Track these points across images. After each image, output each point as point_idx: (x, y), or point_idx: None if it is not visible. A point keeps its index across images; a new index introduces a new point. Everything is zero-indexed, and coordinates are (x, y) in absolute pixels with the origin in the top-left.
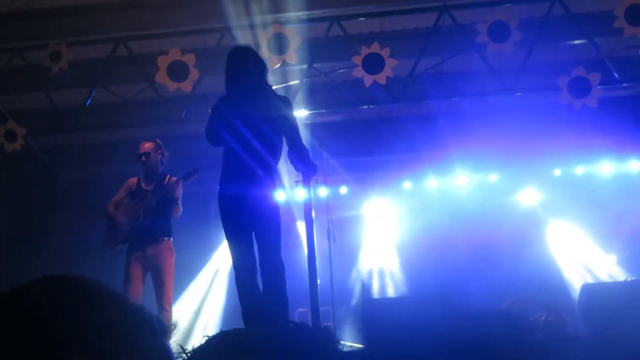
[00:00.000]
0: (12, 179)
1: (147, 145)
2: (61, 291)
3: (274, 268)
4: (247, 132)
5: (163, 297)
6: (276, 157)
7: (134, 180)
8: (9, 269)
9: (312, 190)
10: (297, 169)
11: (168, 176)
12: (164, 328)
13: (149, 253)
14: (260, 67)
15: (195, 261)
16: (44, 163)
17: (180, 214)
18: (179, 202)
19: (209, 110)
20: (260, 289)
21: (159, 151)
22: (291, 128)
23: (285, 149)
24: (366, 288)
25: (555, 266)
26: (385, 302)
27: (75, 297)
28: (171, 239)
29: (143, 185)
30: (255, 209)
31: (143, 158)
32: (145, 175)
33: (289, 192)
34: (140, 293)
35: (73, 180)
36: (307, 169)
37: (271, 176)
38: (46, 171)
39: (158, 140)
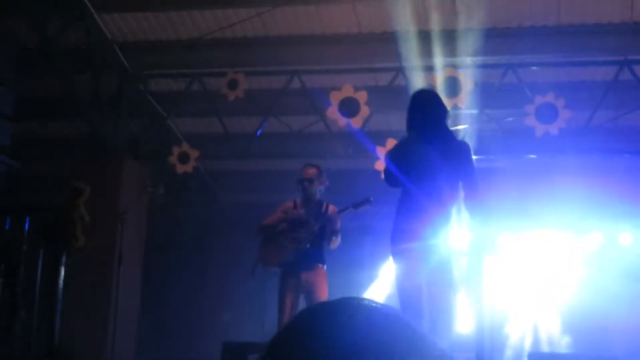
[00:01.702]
0: (177, 198)
1: (312, 171)
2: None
3: (443, 312)
4: (423, 175)
5: None
6: (452, 200)
7: (290, 204)
8: (165, 278)
9: (486, 237)
10: (472, 217)
11: (325, 204)
12: None
13: (303, 278)
14: (442, 111)
15: (348, 292)
16: (209, 186)
17: (337, 245)
18: (339, 233)
19: (380, 148)
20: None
21: (321, 178)
22: (468, 174)
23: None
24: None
25: None
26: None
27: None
28: (325, 267)
29: (300, 209)
30: (428, 249)
31: (306, 183)
32: (303, 200)
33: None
34: None
35: (234, 204)
36: (482, 217)
37: (446, 219)
38: (211, 194)
39: (321, 167)
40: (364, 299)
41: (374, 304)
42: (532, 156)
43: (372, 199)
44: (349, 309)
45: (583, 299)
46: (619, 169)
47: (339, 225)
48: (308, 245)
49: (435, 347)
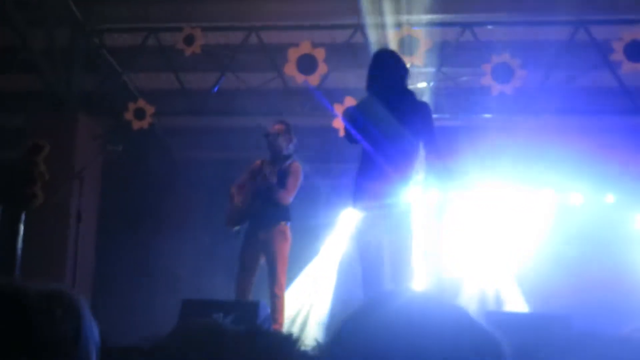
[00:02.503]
0: (133, 156)
1: (278, 127)
2: None
3: (403, 265)
4: (383, 135)
5: (275, 283)
6: (411, 160)
7: (258, 162)
8: (122, 244)
9: (447, 196)
10: (431, 175)
11: (292, 160)
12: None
13: (261, 237)
14: (403, 71)
15: (303, 251)
16: (164, 142)
17: (287, 200)
18: (286, 190)
19: (337, 105)
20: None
21: (288, 135)
22: (428, 133)
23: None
24: None
25: None
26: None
27: None
28: (288, 223)
29: (265, 167)
30: (387, 208)
31: (270, 138)
32: (271, 157)
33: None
34: (254, 277)
35: (190, 161)
36: (441, 176)
37: (405, 178)
38: (166, 150)
39: (289, 124)
40: (413, 291)
41: (425, 295)
42: (487, 115)
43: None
44: (399, 302)
45: (537, 259)
46: (573, 128)
47: (291, 181)
48: (267, 204)
49: (494, 339)
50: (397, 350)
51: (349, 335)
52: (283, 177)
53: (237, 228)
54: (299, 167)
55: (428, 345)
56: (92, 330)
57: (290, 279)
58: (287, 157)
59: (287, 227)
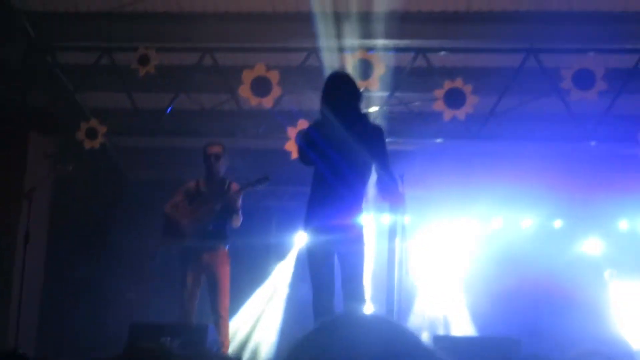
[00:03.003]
0: (83, 175)
1: (218, 148)
2: None
3: (355, 288)
4: (337, 156)
5: (220, 304)
6: (364, 182)
7: (192, 184)
8: (71, 265)
9: (398, 220)
10: (383, 197)
11: (228, 181)
12: None
13: (205, 259)
14: (356, 94)
15: (253, 274)
16: (115, 162)
17: (239, 223)
18: (240, 211)
19: (291, 128)
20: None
21: (227, 156)
22: (381, 156)
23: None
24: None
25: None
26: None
27: None
28: (227, 247)
29: (202, 188)
30: (340, 230)
31: (213, 159)
32: (207, 177)
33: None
34: (197, 299)
35: (141, 181)
36: (393, 198)
37: (358, 200)
38: (117, 171)
39: (225, 145)
40: (365, 314)
41: (376, 318)
42: (439, 140)
43: (269, 177)
44: (352, 325)
45: (486, 283)
46: (524, 154)
47: (239, 203)
48: (210, 226)
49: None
50: None
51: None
52: (230, 200)
53: (158, 250)
54: (239, 190)
55: None
56: None
57: (241, 302)
58: (223, 178)
59: (227, 250)
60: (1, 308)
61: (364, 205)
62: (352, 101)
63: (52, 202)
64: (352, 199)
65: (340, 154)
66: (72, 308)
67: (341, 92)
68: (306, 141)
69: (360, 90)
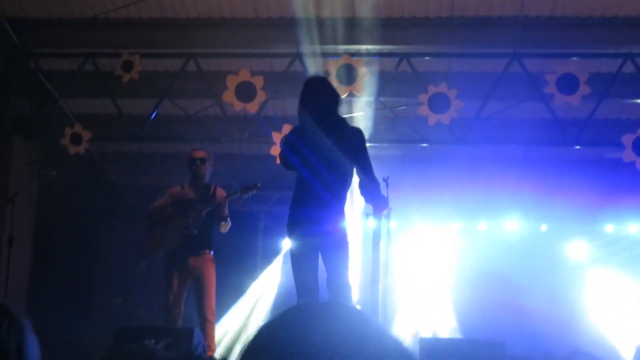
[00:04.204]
0: (68, 180)
1: (202, 153)
2: None
3: (340, 290)
4: (318, 161)
5: (206, 308)
6: (346, 186)
7: (177, 188)
8: (57, 269)
9: (382, 223)
10: (366, 201)
11: (213, 187)
12: None
13: (191, 264)
14: (333, 97)
15: (239, 277)
16: (99, 168)
17: (227, 229)
18: (228, 218)
19: (276, 134)
20: None
21: (211, 161)
22: (362, 159)
23: (355, 180)
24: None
25: (599, 321)
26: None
27: None
28: (212, 252)
29: (187, 193)
30: (323, 234)
31: (198, 162)
32: (192, 182)
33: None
34: (182, 304)
35: (126, 187)
36: (377, 202)
37: (340, 204)
38: (102, 176)
39: (210, 151)
40: (329, 303)
41: (340, 307)
42: (424, 145)
43: (259, 184)
44: (316, 313)
45: (471, 285)
46: (508, 158)
47: (227, 210)
48: (195, 231)
49: (401, 346)
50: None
51: (261, 344)
52: (217, 207)
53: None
54: (225, 197)
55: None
56: (34, 345)
57: (227, 306)
58: (208, 183)
59: (212, 255)
60: None
61: (346, 208)
62: (329, 105)
63: (37, 208)
64: (334, 203)
65: (320, 159)
66: (58, 313)
67: (318, 96)
68: (287, 146)
69: (339, 93)
